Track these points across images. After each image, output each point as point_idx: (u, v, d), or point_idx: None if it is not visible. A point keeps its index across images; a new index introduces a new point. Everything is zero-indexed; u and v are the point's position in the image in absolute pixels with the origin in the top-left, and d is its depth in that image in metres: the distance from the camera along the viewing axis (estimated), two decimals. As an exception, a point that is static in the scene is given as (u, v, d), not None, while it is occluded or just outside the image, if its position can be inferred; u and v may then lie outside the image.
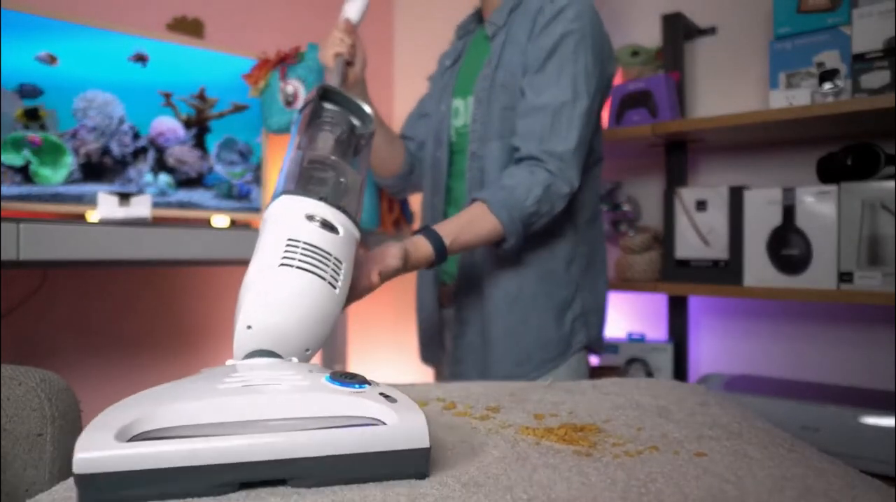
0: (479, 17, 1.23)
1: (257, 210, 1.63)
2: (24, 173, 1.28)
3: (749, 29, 1.75)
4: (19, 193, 1.26)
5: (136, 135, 1.44)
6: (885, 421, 1.30)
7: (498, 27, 1.10)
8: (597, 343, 1.16)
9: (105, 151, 1.39)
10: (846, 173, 1.43)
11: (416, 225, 1.83)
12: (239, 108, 1.60)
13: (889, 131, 1.50)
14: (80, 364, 1.52)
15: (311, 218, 0.66)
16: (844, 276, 1.39)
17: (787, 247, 1.47)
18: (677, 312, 1.79)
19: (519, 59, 1.05)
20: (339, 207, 0.68)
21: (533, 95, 1.01)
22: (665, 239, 1.66)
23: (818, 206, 1.43)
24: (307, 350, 0.63)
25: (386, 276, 0.85)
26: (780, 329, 1.71)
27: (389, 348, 2.21)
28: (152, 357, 1.65)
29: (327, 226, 0.66)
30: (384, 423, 0.47)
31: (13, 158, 1.26)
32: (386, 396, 0.50)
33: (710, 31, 1.82)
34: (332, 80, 1.08)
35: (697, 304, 1.84)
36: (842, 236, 1.39)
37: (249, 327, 0.60)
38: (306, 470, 0.44)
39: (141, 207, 1.18)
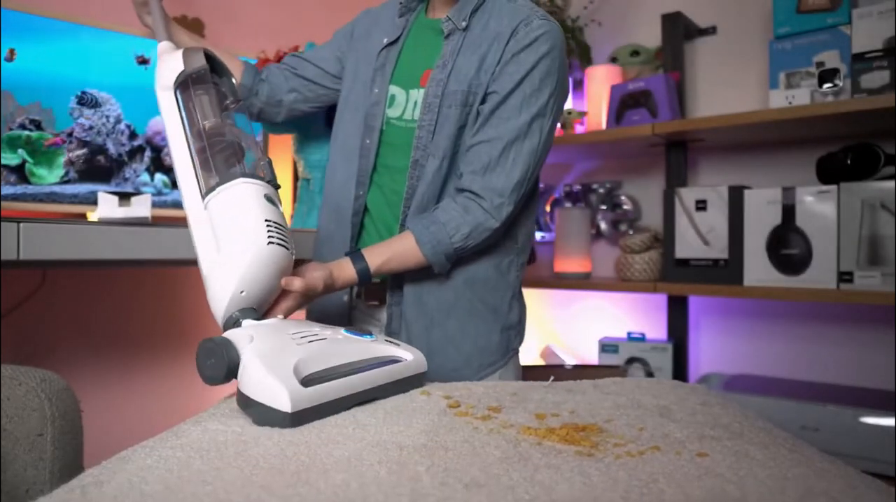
0: None
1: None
2: (20, 173, 1.27)
3: (749, 29, 1.75)
4: (14, 193, 1.26)
5: (132, 135, 1.43)
6: (885, 421, 1.30)
7: (456, 27, 1.03)
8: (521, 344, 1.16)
9: (101, 151, 1.38)
10: (846, 173, 1.43)
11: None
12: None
13: (889, 131, 1.50)
14: (80, 364, 1.52)
15: (269, 199, 0.78)
16: (844, 276, 1.39)
17: (787, 246, 1.47)
18: (677, 312, 1.79)
19: (483, 78, 1.00)
20: (273, 184, 0.81)
21: (489, 125, 0.99)
22: (665, 239, 1.66)
23: (818, 206, 1.43)
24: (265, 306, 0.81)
25: (308, 301, 0.90)
26: (780, 329, 1.71)
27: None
28: (152, 357, 1.65)
29: (275, 203, 0.80)
30: (404, 360, 0.74)
31: (9, 157, 1.26)
32: (392, 342, 0.77)
33: (710, 31, 1.82)
34: (152, 7, 1.05)
35: (697, 304, 1.84)
36: (842, 236, 1.39)
37: (243, 292, 0.75)
38: (383, 391, 0.70)
39: (141, 207, 1.18)
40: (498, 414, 0.65)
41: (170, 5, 1.69)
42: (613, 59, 1.91)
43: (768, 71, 1.54)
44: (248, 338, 0.68)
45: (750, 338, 1.76)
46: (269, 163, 0.81)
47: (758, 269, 1.50)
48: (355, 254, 0.97)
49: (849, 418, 1.34)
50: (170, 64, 0.86)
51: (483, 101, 1.01)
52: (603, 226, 2.00)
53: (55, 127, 1.32)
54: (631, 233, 1.91)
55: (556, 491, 0.44)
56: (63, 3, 1.44)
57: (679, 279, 1.63)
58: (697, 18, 1.81)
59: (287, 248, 0.77)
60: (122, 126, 1.42)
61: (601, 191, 2.00)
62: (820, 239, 1.42)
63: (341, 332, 0.75)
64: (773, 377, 1.68)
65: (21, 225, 0.92)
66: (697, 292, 1.57)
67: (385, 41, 1.11)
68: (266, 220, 0.75)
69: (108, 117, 1.40)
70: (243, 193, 0.76)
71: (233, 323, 0.75)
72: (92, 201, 1.35)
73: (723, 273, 1.56)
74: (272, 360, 0.63)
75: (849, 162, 1.43)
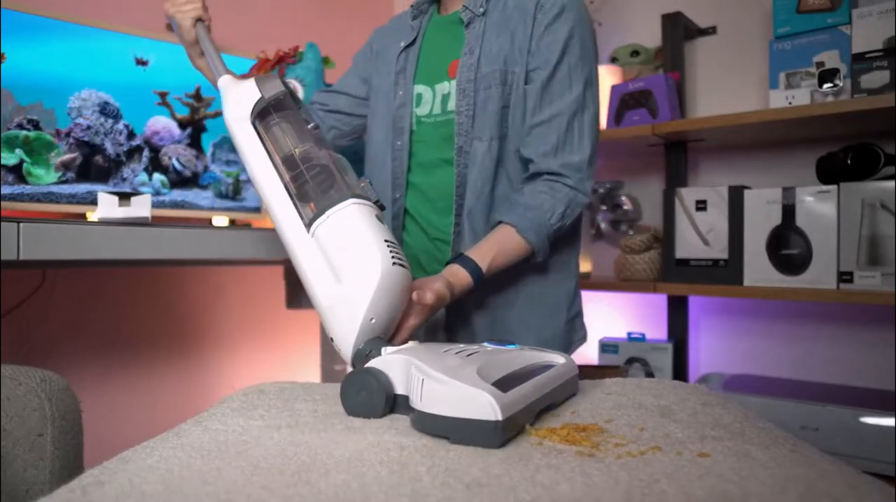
0: None
1: (252, 210, 1.63)
2: (17, 172, 1.27)
3: (749, 29, 1.75)
4: (11, 192, 1.26)
5: (130, 135, 1.43)
6: (885, 421, 1.30)
7: (475, 14, 1.04)
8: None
9: (99, 151, 1.38)
10: (846, 173, 1.43)
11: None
12: (238, 108, 1.60)
13: (889, 131, 1.50)
14: (80, 364, 1.52)
15: (379, 218, 0.74)
16: (844, 276, 1.39)
17: (787, 246, 1.46)
18: (677, 312, 1.79)
19: (518, 55, 1.00)
20: (379, 205, 0.77)
21: (544, 104, 0.99)
22: (665, 239, 1.66)
23: (818, 206, 1.43)
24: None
25: (433, 314, 0.87)
26: (780, 329, 1.71)
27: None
28: (152, 356, 1.65)
29: (384, 223, 0.75)
30: (557, 364, 0.71)
31: (7, 157, 1.26)
32: (536, 349, 0.75)
33: (710, 30, 1.82)
34: (204, 46, 1.02)
35: (697, 304, 1.84)
36: (842, 236, 1.39)
37: (372, 320, 0.70)
38: (558, 393, 0.67)
39: (141, 207, 1.18)
40: (498, 414, 0.65)
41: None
42: (613, 59, 1.91)
43: (768, 71, 1.54)
44: (405, 363, 0.63)
45: (750, 338, 1.76)
46: (371, 183, 0.78)
47: (758, 269, 1.50)
48: (460, 257, 0.94)
49: (849, 418, 1.34)
50: (241, 94, 0.83)
51: (526, 81, 1.01)
52: (603, 226, 2.00)
53: (54, 126, 1.32)
54: (631, 233, 1.91)
55: (558, 492, 0.44)
56: (63, 3, 1.44)
57: (679, 279, 1.62)
58: (697, 18, 1.81)
59: (408, 268, 0.74)
60: (120, 126, 1.42)
61: (601, 191, 2.00)
62: (820, 239, 1.42)
63: (485, 346, 0.72)
64: (773, 377, 1.68)
65: (21, 225, 0.92)
66: (697, 292, 1.57)
67: (402, 44, 1.12)
68: (385, 241, 0.71)
69: (105, 117, 1.40)
70: (357, 215, 0.72)
71: (364, 355, 0.69)
72: (89, 201, 1.35)
73: (723, 273, 1.56)
74: (457, 373, 0.57)
75: (849, 162, 1.43)
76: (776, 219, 1.48)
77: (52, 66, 1.32)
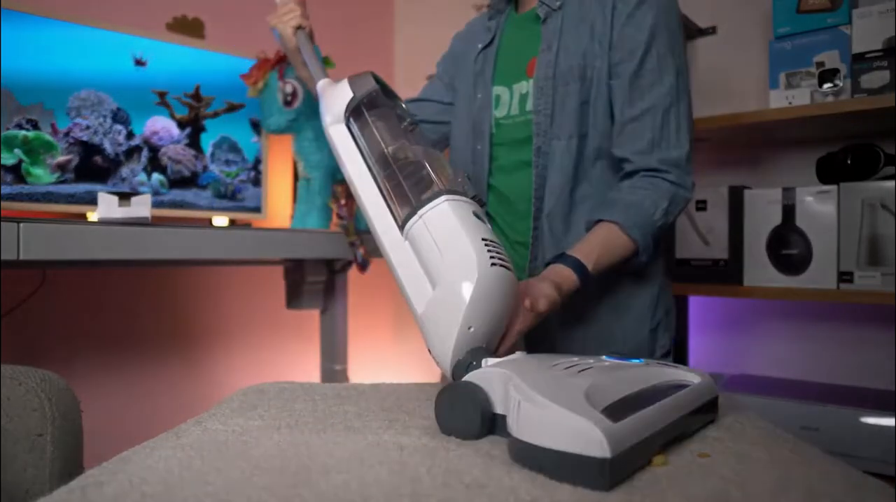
0: None
1: (252, 209, 1.62)
2: (16, 172, 1.27)
3: (749, 29, 1.75)
4: (10, 192, 1.26)
5: (129, 135, 1.43)
6: (885, 421, 1.30)
7: (552, 9, 1.00)
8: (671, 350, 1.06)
9: (98, 151, 1.38)
10: (846, 173, 1.43)
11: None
12: (234, 107, 1.60)
13: (889, 131, 1.50)
14: (80, 364, 1.52)
15: (477, 216, 0.69)
16: (844, 276, 1.39)
17: (787, 247, 1.46)
18: (677, 312, 1.79)
19: (598, 48, 0.96)
20: (479, 201, 0.72)
21: (634, 98, 0.94)
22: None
23: (818, 206, 1.43)
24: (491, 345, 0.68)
25: (539, 320, 0.81)
26: (780, 329, 1.71)
27: (390, 347, 2.21)
28: (152, 357, 1.65)
29: (484, 220, 0.70)
30: (692, 383, 0.62)
31: (6, 157, 1.26)
32: (665, 364, 0.67)
33: (710, 31, 1.81)
34: (304, 53, 1.02)
35: (697, 304, 1.84)
36: (842, 236, 1.39)
37: (471, 328, 0.63)
38: (690, 422, 0.57)
39: (141, 207, 1.18)
40: (499, 414, 0.65)
41: (170, 5, 1.69)
42: (613, 59, 1.91)
43: (768, 71, 1.54)
44: (504, 378, 0.56)
45: (750, 338, 1.75)
46: (469, 178, 0.73)
47: (758, 269, 1.50)
48: (561, 257, 0.87)
49: (849, 418, 1.34)
50: (336, 95, 0.80)
51: (611, 76, 0.96)
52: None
53: (56, 127, 1.32)
54: (631, 233, 1.91)
55: (558, 492, 0.44)
56: (63, 3, 1.44)
57: (679, 279, 1.62)
58: (697, 18, 1.81)
59: (510, 269, 0.66)
60: (119, 126, 1.41)
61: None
62: (820, 239, 1.42)
63: (605, 359, 0.65)
64: (773, 377, 1.68)
65: (21, 225, 0.92)
66: (697, 292, 1.57)
67: (480, 46, 1.10)
68: (483, 239, 0.65)
69: (104, 117, 1.40)
70: (451, 212, 0.66)
71: (464, 367, 0.63)
72: (88, 201, 1.35)
73: (723, 273, 1.55)
74: (560, 395, 0.49)
75: (849, 162, 1.43)
76: (776, 219, 1.48)
77: (52, 66, 1.32)
